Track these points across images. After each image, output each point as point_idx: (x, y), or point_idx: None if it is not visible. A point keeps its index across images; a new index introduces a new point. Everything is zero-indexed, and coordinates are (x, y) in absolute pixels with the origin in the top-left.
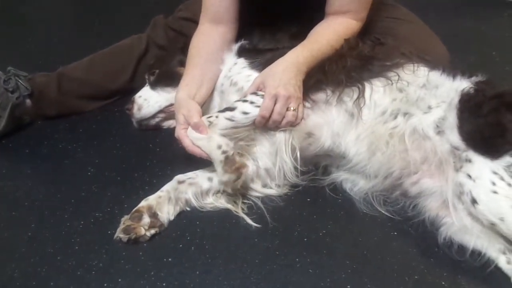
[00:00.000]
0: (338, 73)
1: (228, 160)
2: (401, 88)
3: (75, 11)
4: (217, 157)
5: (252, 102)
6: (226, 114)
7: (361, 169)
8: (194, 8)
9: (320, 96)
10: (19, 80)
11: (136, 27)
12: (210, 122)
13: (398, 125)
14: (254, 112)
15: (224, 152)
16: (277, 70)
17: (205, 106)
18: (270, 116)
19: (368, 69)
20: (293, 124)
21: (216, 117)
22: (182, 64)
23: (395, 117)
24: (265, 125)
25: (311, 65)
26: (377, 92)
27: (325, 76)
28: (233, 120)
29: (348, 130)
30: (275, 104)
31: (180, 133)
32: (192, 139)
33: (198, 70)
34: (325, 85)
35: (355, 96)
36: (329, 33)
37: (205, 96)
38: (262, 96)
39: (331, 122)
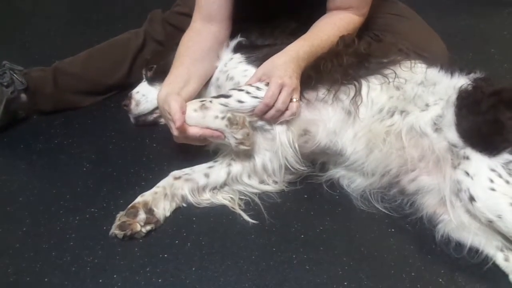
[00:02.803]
0: (333, 71)
1: (232, 120)
2: (398, 86)
3: (72, 5)
4: (220, 124)
5: (248, 92)
6: (221, 100)
7: (358, 167)
8: (192, 3)
9: (313, 94)
10: (14, 75)
11: (133, 21)
12: (203, 105)
13: (395, 123)
14: (249, 101)
15: (223, 117)
16: (279, 62)
17: None
18: (273, 106)
19: (365, 66)
20: (294, 114)
21: (210, 101)
22: None
23: (392, 115)
24: (265, 115)
25: (310, 60)
26: (374, 90)
27: (320, 75)
28: (227, 106)
29: (345, 128)
30: (279, 93)
31: (177, 132)
32: (186, 119)
33: (183, 68)
34: (320, 84)
35: (352, 94)
36: (330, 29)
37: (192, 93)
38: (257, 88)
39: (327, 120)
